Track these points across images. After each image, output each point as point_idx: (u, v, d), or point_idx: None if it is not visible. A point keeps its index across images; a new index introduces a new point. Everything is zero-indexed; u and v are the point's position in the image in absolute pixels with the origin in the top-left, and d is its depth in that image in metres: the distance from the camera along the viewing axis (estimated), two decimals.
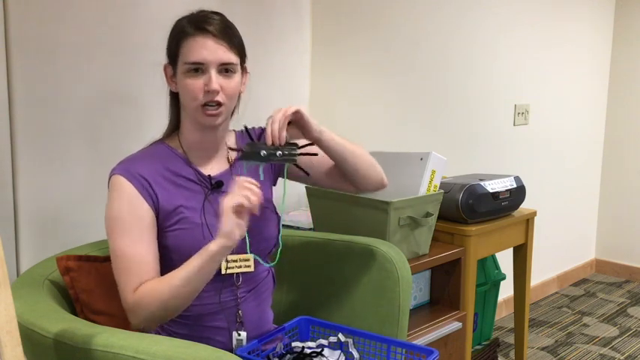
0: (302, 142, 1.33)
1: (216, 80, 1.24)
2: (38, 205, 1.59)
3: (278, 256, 1.39)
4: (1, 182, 1.53)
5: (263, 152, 1.21)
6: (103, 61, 1.67)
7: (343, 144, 1.38)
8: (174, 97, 1.34)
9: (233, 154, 1.40)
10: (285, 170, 1.37)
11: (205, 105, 1.25)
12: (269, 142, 1.23)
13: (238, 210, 1.13)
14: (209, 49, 1.23)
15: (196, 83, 1.24)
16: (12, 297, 0.85)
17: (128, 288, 1.21)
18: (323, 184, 1.50)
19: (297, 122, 1.30)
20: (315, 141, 1.34)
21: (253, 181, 1.17)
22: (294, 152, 1.23)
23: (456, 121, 2.88)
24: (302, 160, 1.38)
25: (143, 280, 1.21)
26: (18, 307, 1.17)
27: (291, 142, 1.25)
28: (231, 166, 1.38)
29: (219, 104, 1.26)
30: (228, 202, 1.13)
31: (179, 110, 1.34)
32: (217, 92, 1.25)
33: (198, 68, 1.24)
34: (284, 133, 1.24)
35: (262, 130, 1.45)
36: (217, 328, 1.33)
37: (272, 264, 1.40)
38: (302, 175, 1.44)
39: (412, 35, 2.58)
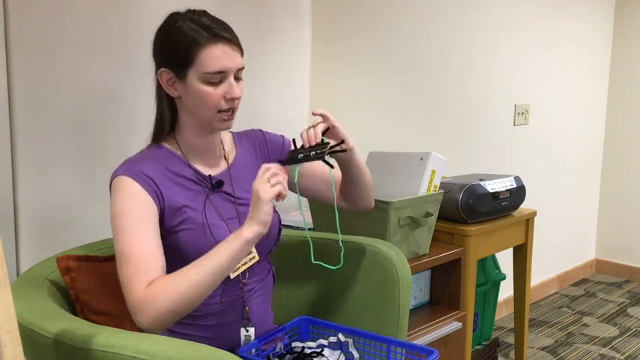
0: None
1: (237, 87, 1.26)
2: (38, 205, 1.59)
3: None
4: (1, 182, 1.53)
5: (300, 155, 1.27)
6: (102, 61, 1.67)
7: (364, 164, 1.44)
8: (168, 101, 1.32)
9: (231, 155, 1.41)
10: (331, 174, 1.43)
11: (221, 111, 1.27)
12: (306, 144, 1.28)
13: (275, 199, 1.17)
14: (229, 57, 1.24)
15: (217, 92, 1.24)
16: (12, 297, 0.85)
17: (136, 284, 1.15)
18: (327, 200, 1.53)
19: (330, 128, 1.33)
20: (347, 153, 1.37)
21: (278, 166, 1.19)
22: (324, 150, 1.27)
23: (455, 121, 2.88)
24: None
25: (152, 275, 1.16)
26: (18, 307, 1.17)
27: (324, 142, 1.29)
28: (228, 166, 1.39)
29: (234, 109, 1.29)
30: (267, 192, 1.15)
31: (175, 113, 1.33)
32: (240, 98, 1.28)
33: (219, 76, 1.24)
34: (319, 131, 1.28)
35: (281, 138, 1.53)
36: (222, 325, 1.33)
37: (337, 267, 1.39)
38: (324, 196, 1.50)
39: (412, 35, 2.58)
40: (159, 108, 1.33)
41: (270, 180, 1.16)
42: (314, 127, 1.30)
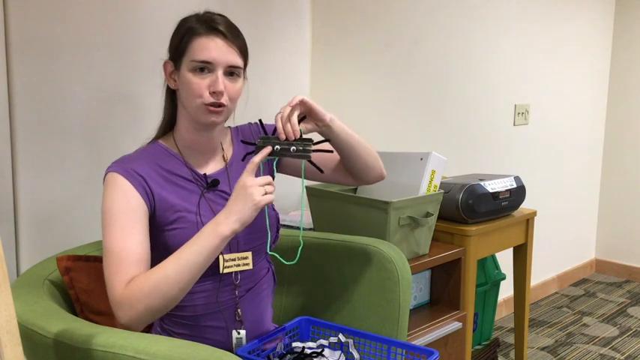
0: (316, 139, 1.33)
1: (222, 81, 1.24)
2: (38, 205, 1.59)
3: (298, 255, 1.35)
4: (1, 182, 1.53)
5: (277, 147, 1.21)
6: (102, 61, 1.67)
7: (351, 133, 1.39)
8: (171, 95, 1.34)
9: (229, 153, 1.40)
10: (303, 168, 1.36)
11: (208, 104, 1.25)
12: (282, 137, 1.23)
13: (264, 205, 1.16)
14: (219, 50, 1.24)
15: (202, 82, 1.24)
16: (12, 297, 0.85)
17: (117, 281, 1.15)
18: (326, 179, 1.50)
19: (307, 112, 1.29)
20: (325, 129, 1.33)
21: (271, 180, 1.19)
22: (308, 148, 1.22)
23: (456, 121, 2.88)
24: (314, 157, 1.39)
25: (133, 273, 1.16)
26: (18, 307, 1.17)
27: (306, 137, 1.24)
28: (226, 165, 1.38)
29: (221, 105, 1.26)
30: (261, 198, 1.15)
31: (175, 108, 1.34)
32: (222, 94, 1.25)
33: (205, 67, 1.24)
34: (296, 126, 1.23)
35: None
36: (216, 327, 1.33)
37: (292, 262, 1.36)
38: (313, 170, 1.44)
39: (412, 35, 2.58)
40: (165, 103, 1.35)
41: (265, 187, 1.16)
42: (289, 116, 1.24)
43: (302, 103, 1.27)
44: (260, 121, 1.33)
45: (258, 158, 1.20)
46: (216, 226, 1.16)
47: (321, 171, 1.31)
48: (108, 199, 1.22)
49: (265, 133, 1.29)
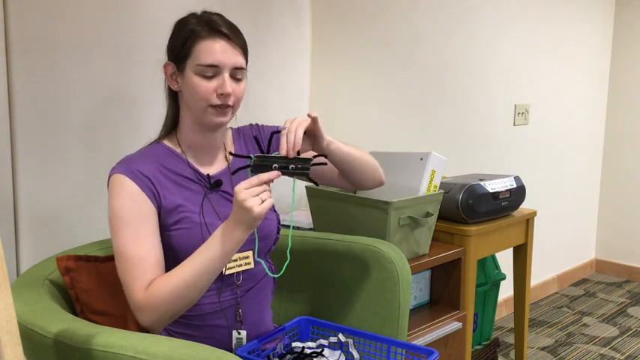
0: (310, 153, 1.34)
1: (229, 83, 1.25)
2: (38, 205, 1.59)
3: (284, 268, 1.34)
4: (1, 182, 1.53)
5: (275, 165, 1.20)
6: (102, 61, 1.67)
7: (349, 152, 1.39)
8: (173, 96, 1.34)
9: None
10: (294, 183, 1.36)
11: (215, 106, 1.26)
12: (282, 152, 1.22)
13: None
14: (224, 52, 1.24)
15: (209, 85, 1.25)
16: (12, 297, 0.85)
17: (136, 286, 1.18)
18: (326, 184, 1.53)
19: (312, 131, 1.30)
20: (323, 151, 1.34)
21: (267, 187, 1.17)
22: (306, 165, 1.22)
23: (456, 121, 2.88)
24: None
25: (150, 276, 1.19)
26: (18, 307, 1.17)
27: (304, 157, 1.23)
28: (229, 165, 1.39)
29: (228, 106, 1.27)
30: (259, 208, 1.12)
31: (178, 108, 1.34)
32: (230, 95, 1.26)
33: (212, 70, 1.24)
34: (300, 143, 1.22)
35: (276, 129, 1.46)
36: (217, 327, 1.33)
37: (278, 275, 1.37)
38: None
39: (412, 35, 2.58)
40: (167, 104, 1.36)
41: (260, 195, 1.14)
42: (297, 129, 1.23)
43: (314, 120, 1.27)
44: (257, 125, 1.32)
45: (266, 177, 1.16)
46: (230, 231, 1.16)
47: (316, 184, 1.34)
48: (116, 201, 1.22)
49: (261, 150, 1.27)
